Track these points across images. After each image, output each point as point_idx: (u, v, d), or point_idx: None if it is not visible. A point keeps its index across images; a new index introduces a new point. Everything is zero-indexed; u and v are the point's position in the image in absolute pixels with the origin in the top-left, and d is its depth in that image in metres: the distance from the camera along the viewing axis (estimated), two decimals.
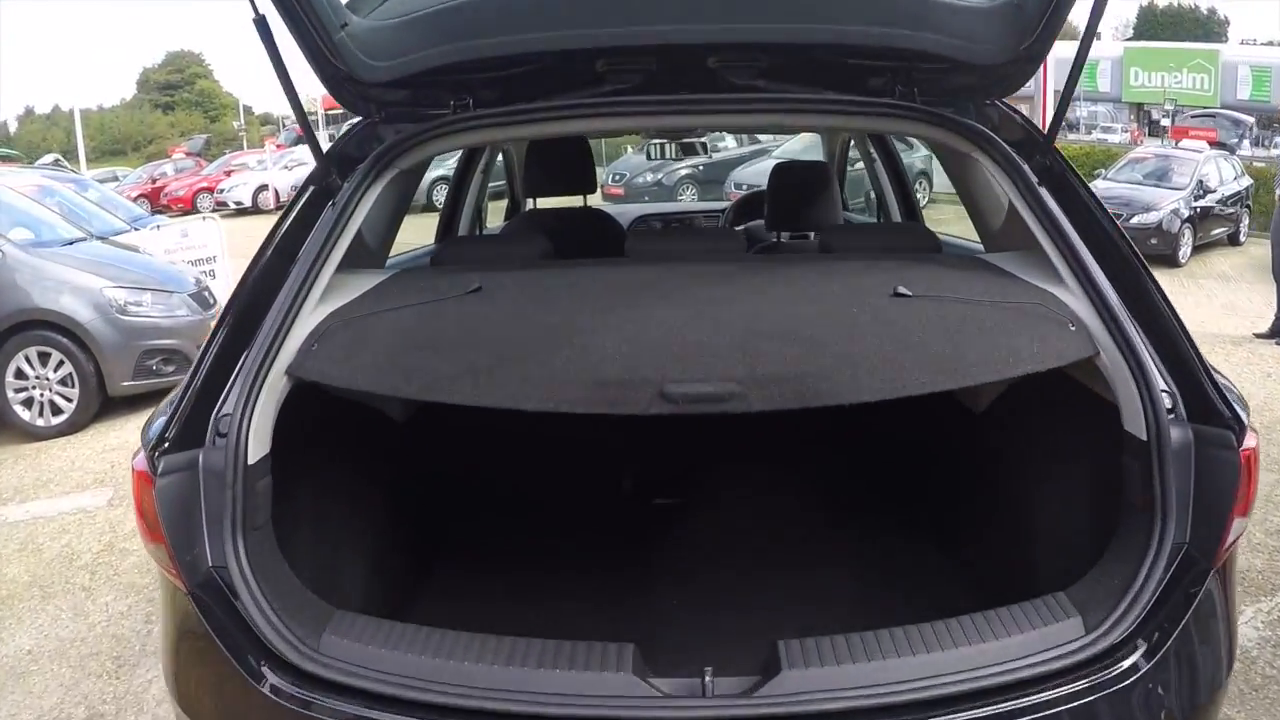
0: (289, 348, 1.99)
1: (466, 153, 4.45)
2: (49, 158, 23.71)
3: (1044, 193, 2.22)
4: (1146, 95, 27.99)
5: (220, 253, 10.47)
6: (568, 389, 1.81)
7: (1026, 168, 2.26)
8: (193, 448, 1.85)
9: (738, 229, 5.42)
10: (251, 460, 1.85)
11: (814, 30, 2.22)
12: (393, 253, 3.08)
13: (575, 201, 4.13)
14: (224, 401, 1.90)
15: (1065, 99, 2.43)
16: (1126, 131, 26.61)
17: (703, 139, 5.09)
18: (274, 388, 1.94)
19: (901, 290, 2.04)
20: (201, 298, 7.45)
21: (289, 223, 2.30)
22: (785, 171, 3.93)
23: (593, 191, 4.03)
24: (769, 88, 2.36)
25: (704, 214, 5.52)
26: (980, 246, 3.45)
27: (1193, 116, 20.16)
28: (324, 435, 2.29)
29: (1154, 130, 25.66)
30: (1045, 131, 2.39)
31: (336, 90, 2.44)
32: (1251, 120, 19.44)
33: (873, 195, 5.47)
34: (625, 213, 5.51)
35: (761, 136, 16.65)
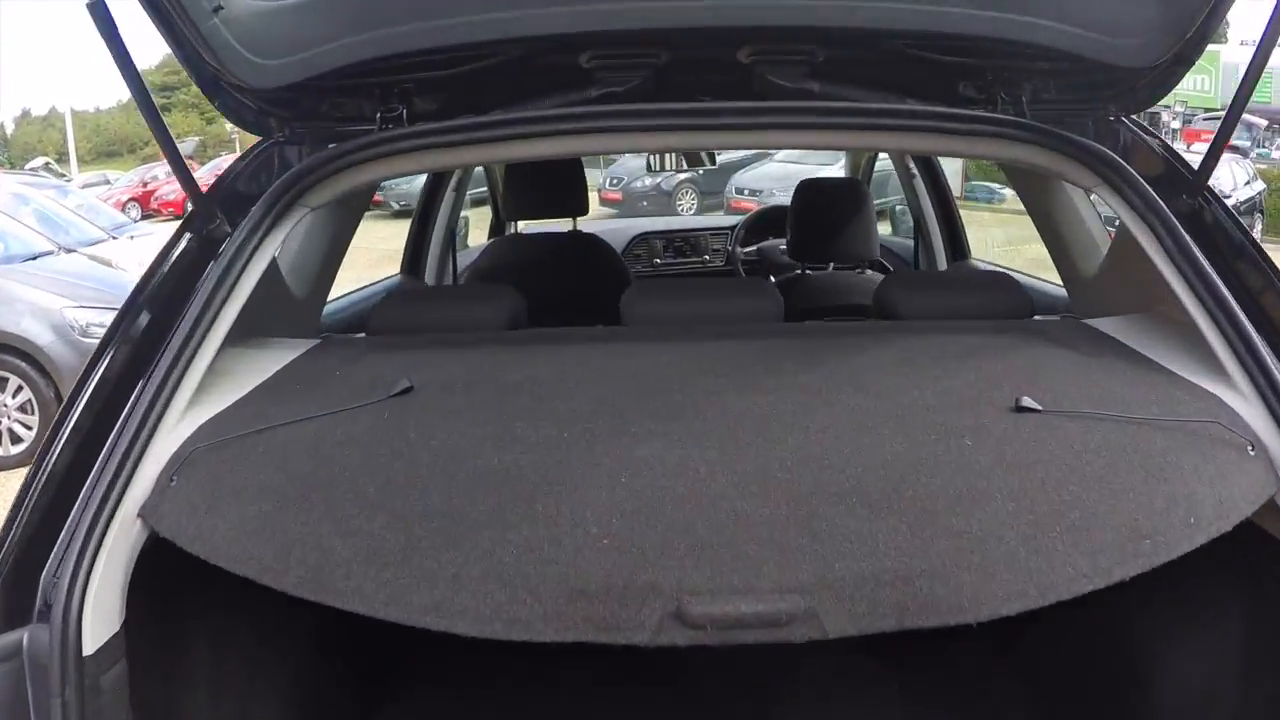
0: (145, 476, 1.34)
1: None
2: (39, 161, 23.15)
3: (1193, 248, 1.56)
4: None
5: None
6: (521, 603, 1.11)
7: (1169, 214, 1.60)
8: (18, 625, 1.27)
9: (748, 250, 4.71)
10: (91, 648, 1.23)
11: (895, 12, 1.51)
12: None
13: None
14: (57, 559, 1.27)
15: (1231, 122, 1.74)
16: None
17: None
18: (124, 537, 1.30)
19: (1027, 403, 1.35)
20: None
21: (153, 285, 1.64)
22: (812, 191, 3.22)
23: (583, 214, 3.32)
24: (826, 93, 1.64)
25: (710, 231, 4.80)
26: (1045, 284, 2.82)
27: (1203, 119, 19.47)
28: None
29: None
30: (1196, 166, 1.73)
31: (216, 98, 1.75)
32: (1264, 123, 18.76)
33: (897, 213, 4.79)
34: (620, 230, 4.79)
35: None
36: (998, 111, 1.67)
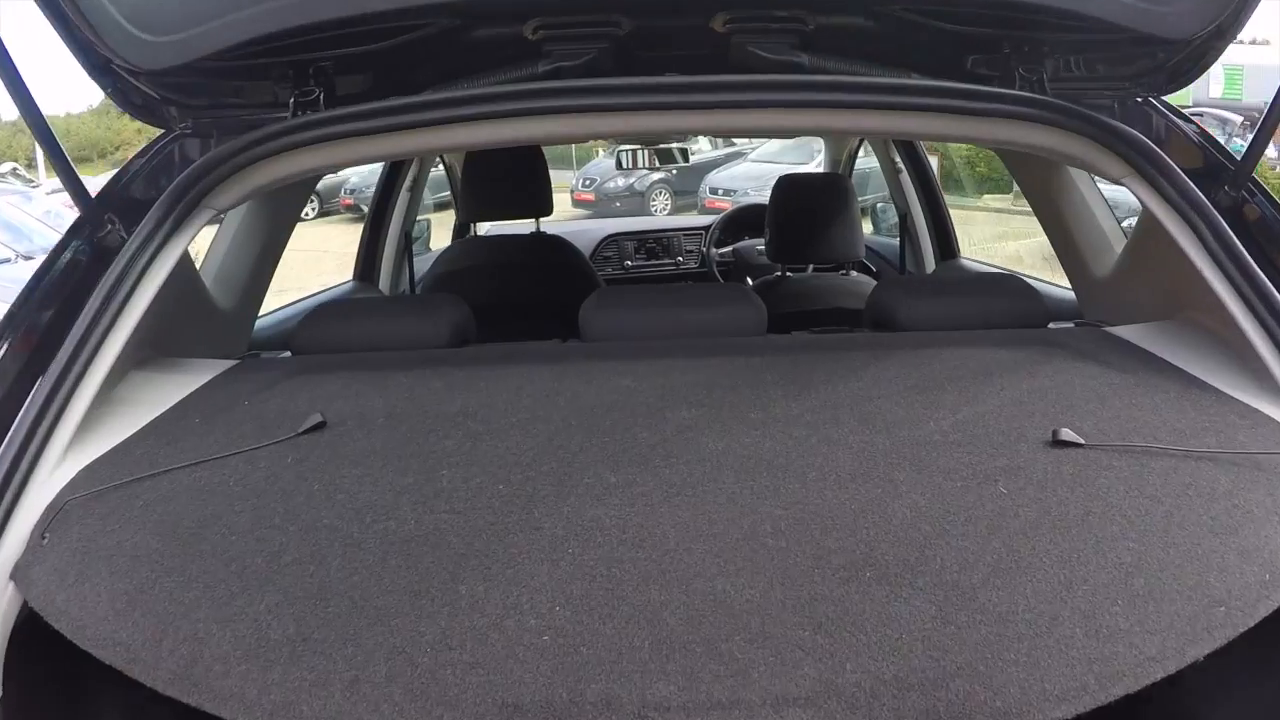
0: (17, 529, 1.13)
1: (392, 162, 3.45)
2: (6, 166, 22.55)
3: (1239, 246, 1.36)
4: None
5: None
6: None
7: (1211, 208, 1.39)
8: None
9: (723, 250, 4.46)
10: None
11: None
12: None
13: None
14: None
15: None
16: None
17: (684, 144, 4.25)
18: None
19: (1066, 435, 1.11)
20: None
21: (32, 305, 1.43)
22: (793, 188, 2.97)
23: (546, 214, 3.05)
24: (818, 67, 1.38)
25: (683, 232, 4.54)
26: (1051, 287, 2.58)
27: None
28: None
29: None
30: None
31: (108, 85, 1.49)
32: (1239, 119, 18.71)
33: (879, 210, 4.55)
34: (589, 231, 4.52)
35: (737, 141, 15.72)
36: (1016, 89, 1.42)
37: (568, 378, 1.35)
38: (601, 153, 16.11)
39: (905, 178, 3.45)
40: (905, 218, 3.49)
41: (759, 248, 4.34)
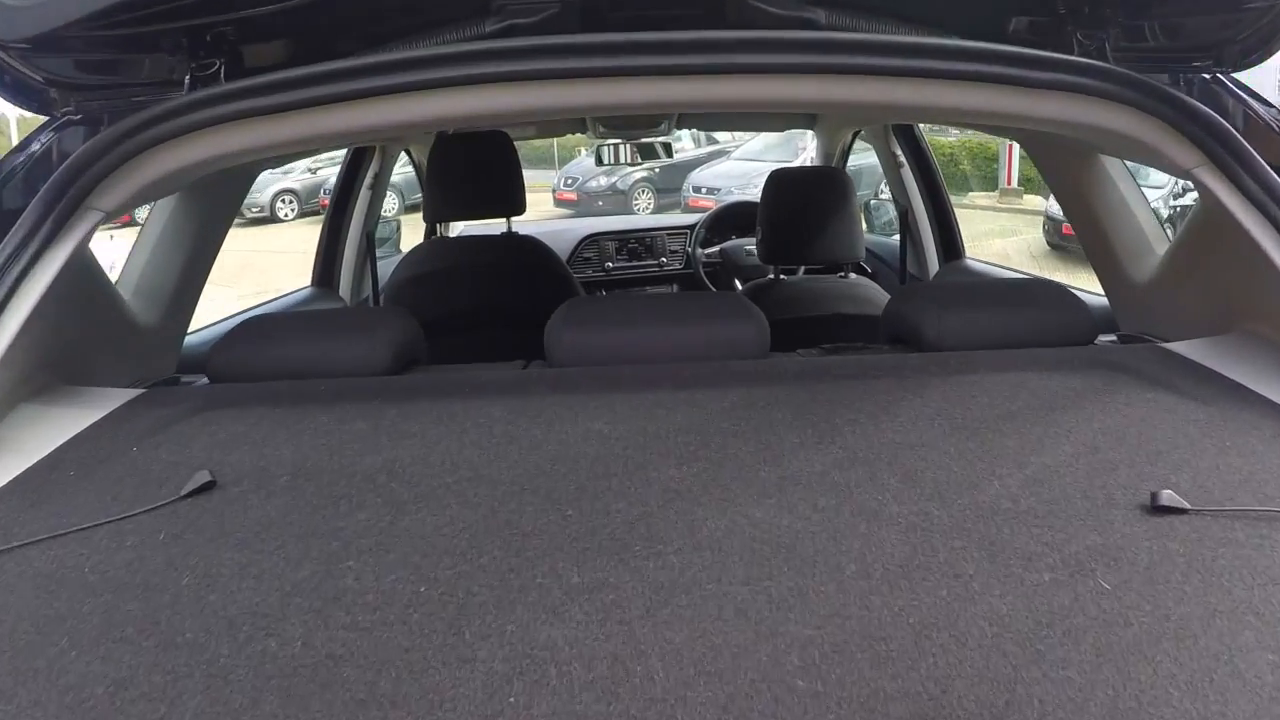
0: None
1: (352, 154, 3.16)
2: None
3: None
4: None
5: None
6: None
7: None
8: None
9: (710, 251, 4.18)
10: None
11: None
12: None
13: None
14: None
15: None
16: None
17: (666, 138, 3.94)
18: None
19: (1168, 500, 0.84)
20: None
21: None
22: (786, 183, 2.69)
23: (519, 212, 2.77)
24: (836, 24, 1.11)
25: (667, 231, 4.26)
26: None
27: None
28: None
29: None
30: None
31: None
32: None
33: (872, 207, 4.28)
34: (568, 231, 4.24)
35: (720, 135, 15.46)
36: (1075, 56, 1.15)
37: (525, 418, 1.07)
38: (584, 151, 15.80)
39: (907, 172, 3.18)
40: (906, 215, 3.22)
41: (747, 248, 4.07)
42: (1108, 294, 1.93)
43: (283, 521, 0.89)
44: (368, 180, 3.13)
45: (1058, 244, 12.13)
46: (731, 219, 4.23)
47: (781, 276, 2.74)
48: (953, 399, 1.11)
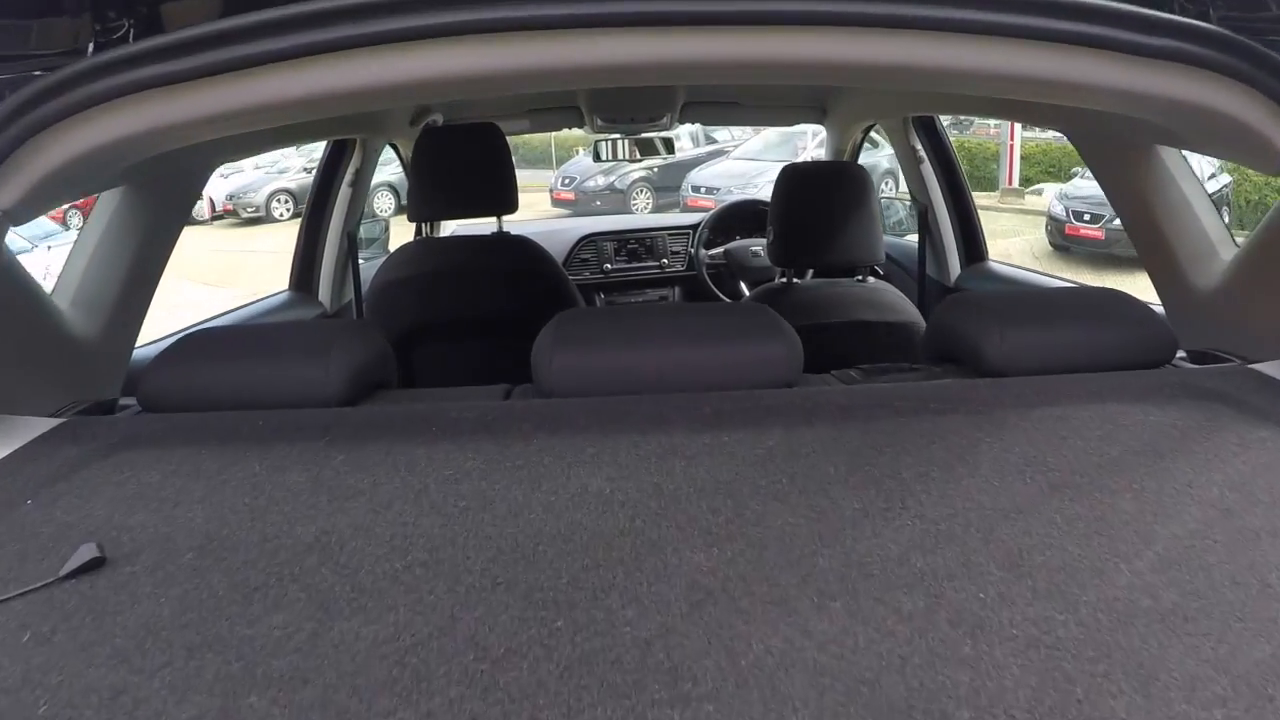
0: None
1: (331, 149, 2.92)
2: None
3: None
4: None
5: None
6: None
7: None
8: None
9: (714, 252, 3.94)
10: None
11: None
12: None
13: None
14: None
15: None
16: None
17: (667, 133, 3.70)
18: None
19: None
20: None
21: None
22: (801, 178, 2.46)
23: (510, 210, 2.54)
24: None
25: (669, 231, 4.03)
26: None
27: None
28: None
29: None
30: None
31: None
32: None
33: (881, 205, 4.05)
34: (564, 231, 4.00)
35: (718, 134, 15.23)
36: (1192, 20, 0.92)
37: (503, 470, 0.84)
38: (581, 151, 15.59)
39: (927, 168, 2.95)
40: (925, 215, 2.99)
41: (753, 248, 3.84)
42: (1164, 302, 1.70)
43: (175, 624, 0.65)
44: (348, 177, 2.89)
45: (1060, 244, 11.92)
46: (736, 218, 3.99)
47: (794, 280, 2.51)
48: (1039, 442, 0.88)
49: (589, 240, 3.94)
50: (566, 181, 14.30)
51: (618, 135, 3.61)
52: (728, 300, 3.80)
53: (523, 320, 2.08)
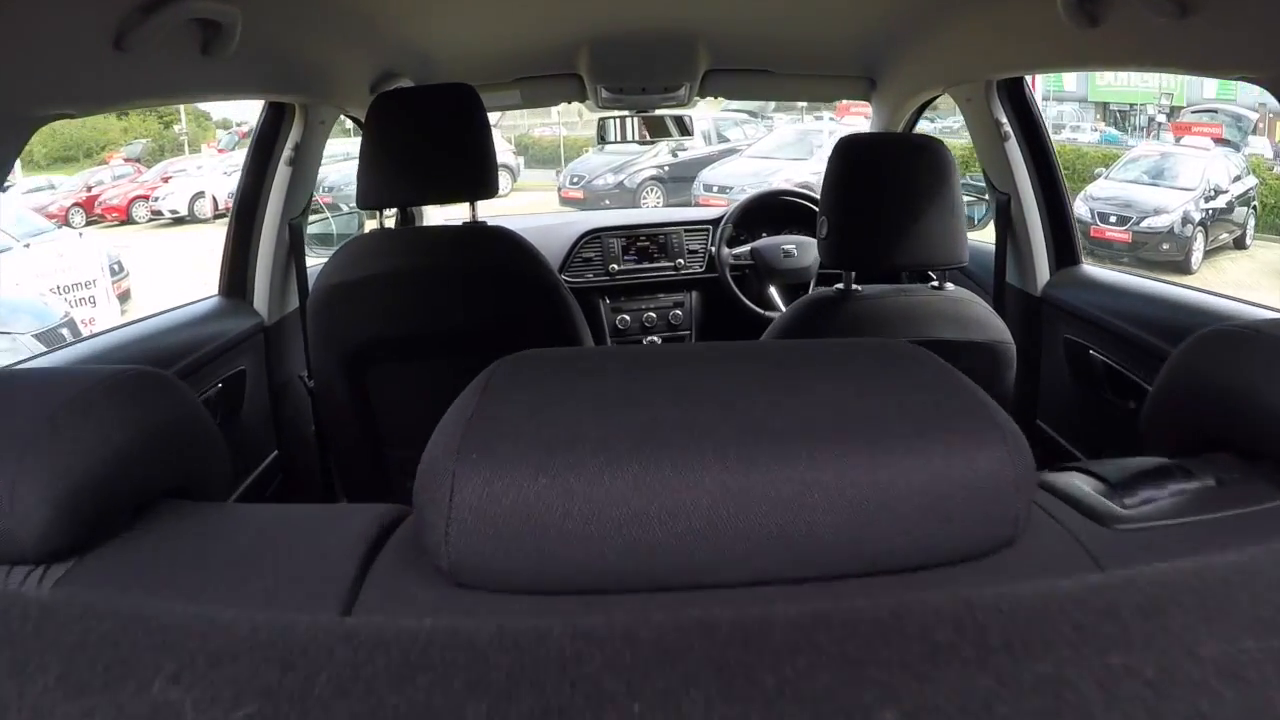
0: None
1: (265, 118, 2.32)
2: None
3: None
4: (1113, 95, 26.19)
5: (101, 274, 8.43)
6: None
7: None
8: None
9: (739, 251, 3.32)
10: None
11: None
12: None
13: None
14: None
15: None
16: (1095, 130, 24.78)
17: (684, 109, 3.13)
18: None
19: None
20: (58, 335, 5.76)
21: None
22: (865, 152, 1.84)
23: (486, 195, 1.92)
24: None
25: (685, 227, 3.41)
26: None
27: (1193, 111, 18.30)
28: None
29: (1121, 127, 23.87)
30: None
31: None
32: (1255, 116, 17.59)
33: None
34: (566, 226, 3.39)
35: (730, 134, 14.60)
36: None
37: None
38: (591, 151, 14.99)
39: (1013, 148, 2.32)
40: (1007, 205, 2.36)
41: (785, 246, 3.21)
42: None
43: None
44: (286, 153, 2.28)
45: (1085, 248, 11.30)
46: (765, 211, 3.37)
47: (855, 287, 1.89)
48: None
49: (593, 236, 3.33)
50: (575, 180, 13.69)
51: (626, 112, 2.99)
52: (755, 308, 3.17)
53: (501, 334, 1.61)
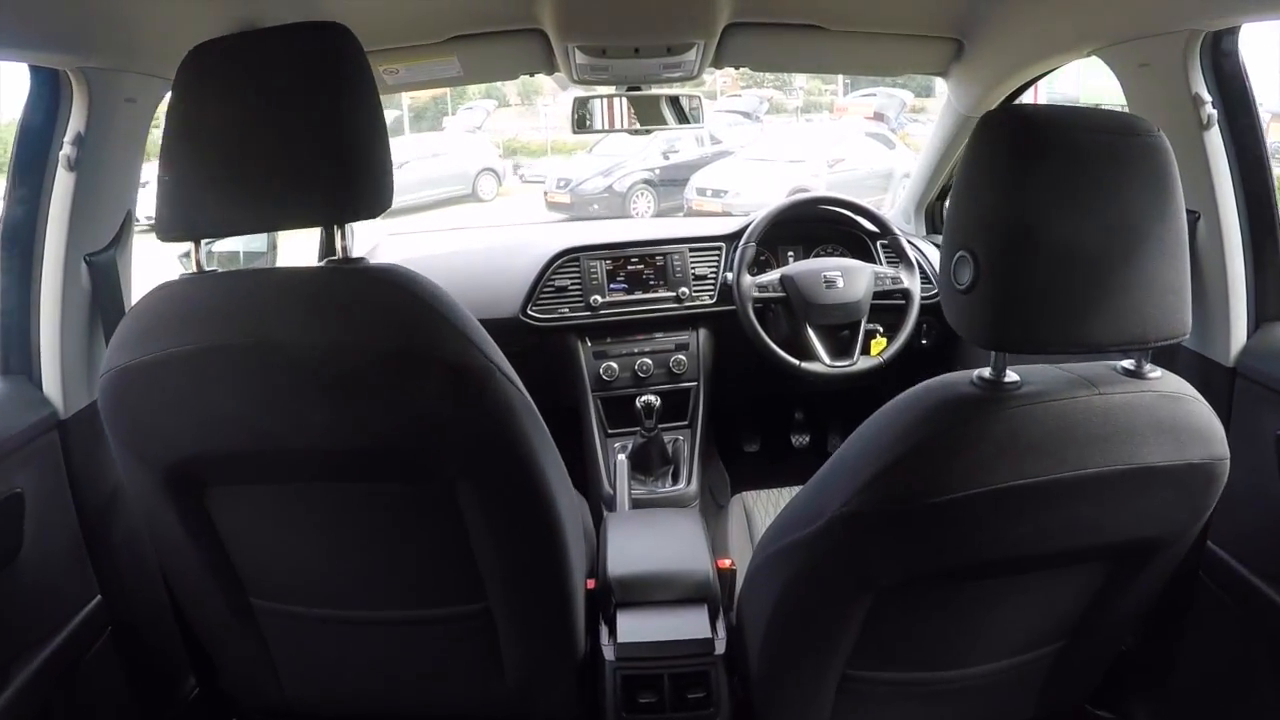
0: None
1: (35, 89, 1.43)
2: None
3: None
4: (1110, 96, 25.54)
5: None
6: None
7: None
8: None
9: (763, 281, 2.44)
10: None
11: None
12: None
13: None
14: None
15: None
16: None
17: (689, 87, 2.53)
18: None
19: None
20: None
21: None
22: (1051, 135, 0.95)
23: (362, 212, 1.05)
24: None
25: (690, 245, 2.54)
26: None
27: None
28: None
29: None
30: None
31: None
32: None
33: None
34: (532, 247, 2.51)
35: (723, 137, 13.71)
36: None
37: None
38: (580, 153, 14.08)
39: (1214, 141, 1.45)
40: (1195, 225, 1.50)
41: (827, 273, 2.33)
42: None
43: None
44: (66, 150, 1.38)
45: None
46: (796, 226, 2.51)
47: (1010, 373, 1.04)
48: None
49: (569, 258, 2.45)
50: (561, 183, 12.75)
51: (611, 89, 2.10)
52: (786, 356, 2.29)
53: (396, 456, 1.06)
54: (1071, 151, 0.94)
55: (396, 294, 1.05)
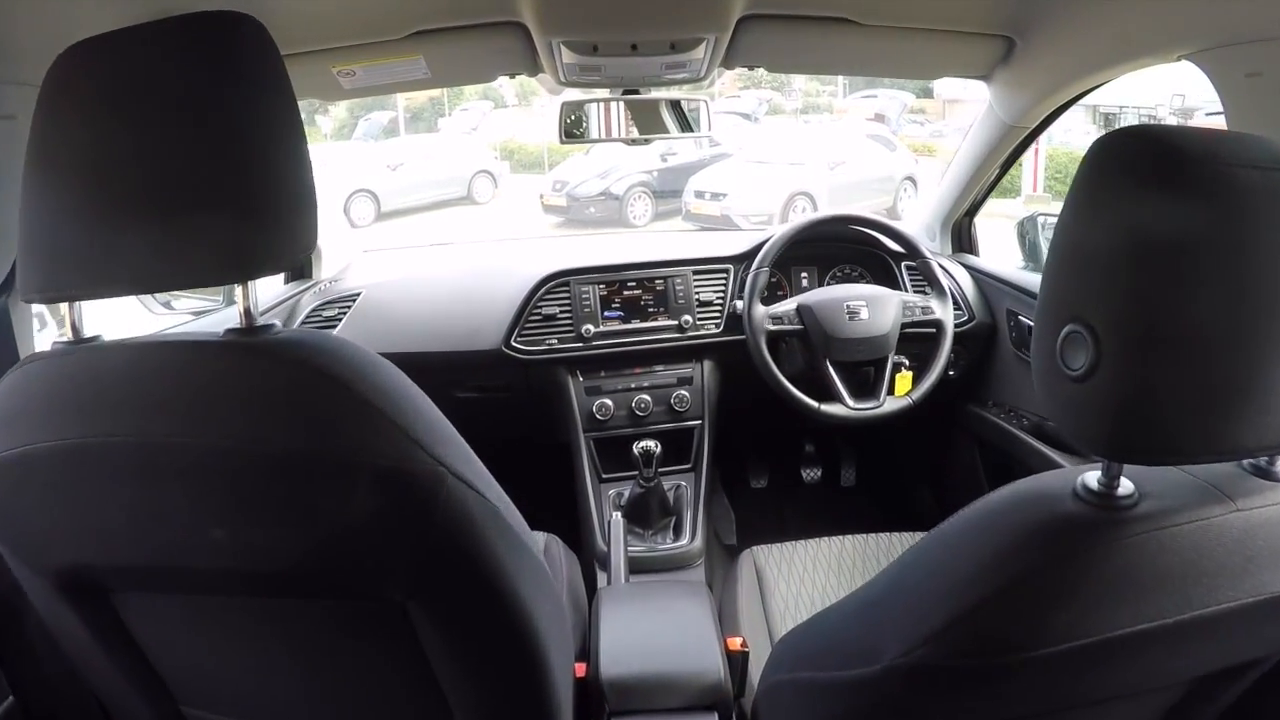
0: None
1: None
2: None
3: None
4: (1104, 97, 25.31)
5: None
6: None
7: None
8: None
9: (778, 313, 2.13)
10: None
11: None
12: None
13: None
14: None
15: None
16: (1086, 134, 23.90)
17: (692, 94, 2.32)
18: None
19: None
20: None
21: None
22: (1201, 167, 0.63)
23: (278, 265, 0.76)
24: None
25: (694, 268, 2.25)
26: None
27: (1206, 115, 17.31)
28: None
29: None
30: None
31: None
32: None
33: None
34: (516, 275, 2.22)
35: (722, 139, 13.41)
36: None
37: None
38: (576, 155, 13.80)
39: None
40: None
41: (851, 303, 2.05)
42: None
43: None
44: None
45: None
46: (819, 245, 2.23)
47: (1125, 484, 0.75)
48: None
49: (559, 283, 2.17)
50: (557, 186, 12.46)
51: (605, 93, 1.81)
52: (802, 397, 2.01)
53: (312, 577, 0.83)
54: (1238, 196, 0.65)
55: (312, 378, 0.76)
